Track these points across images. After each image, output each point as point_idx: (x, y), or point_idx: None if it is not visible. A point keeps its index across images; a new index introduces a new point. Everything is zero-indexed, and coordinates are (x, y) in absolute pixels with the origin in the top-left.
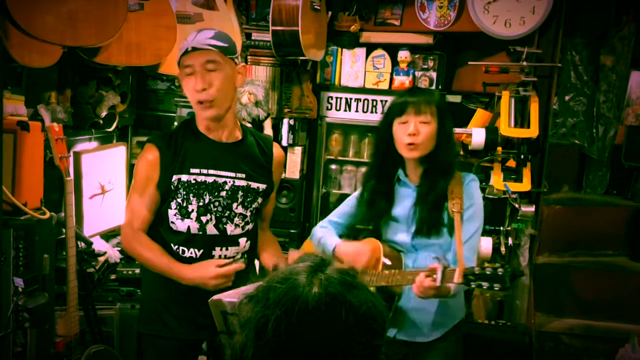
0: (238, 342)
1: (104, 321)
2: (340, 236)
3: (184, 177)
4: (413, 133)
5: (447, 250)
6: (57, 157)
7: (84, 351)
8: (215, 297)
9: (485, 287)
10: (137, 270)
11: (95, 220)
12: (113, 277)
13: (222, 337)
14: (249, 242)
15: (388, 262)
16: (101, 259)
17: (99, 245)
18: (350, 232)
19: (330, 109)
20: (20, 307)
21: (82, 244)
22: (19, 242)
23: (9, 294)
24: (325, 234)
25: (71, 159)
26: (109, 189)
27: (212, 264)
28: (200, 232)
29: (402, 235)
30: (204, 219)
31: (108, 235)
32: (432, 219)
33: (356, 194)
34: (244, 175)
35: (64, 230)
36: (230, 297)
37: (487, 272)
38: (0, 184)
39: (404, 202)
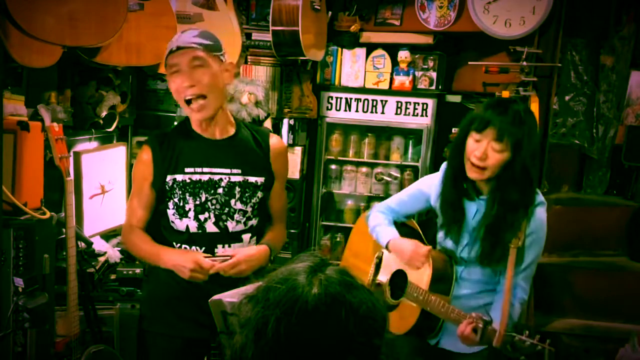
0: (238, 342)
1: (104, 321)
2: (395, 223)
3: (179, 177)
4: (480, 157)
5: (499, 275)
6: (57, 157)
7: (84, 351)
8: (216, 297)
9: None
10: (137, 270)
11: (95, 220)
12: (113, 277)
13: (222, 337)
14: (254, 238)
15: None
16: (101, 259)
17: (99, 245)
18: (406, 220)
19: (330, 109)
20: (20, 307)
21: (82, 244)
22: (19, 242)
23: (9, 294)
24: (381, 222)
25: (71, 159)
26: (109, 189)
27: (197, 254)
28: (200, 231)
29: (457, 246)
30: (202, 217)
31: (108, 235)
32: (495, 253)
33: (419, 187)
34: (239, 171)
35: (64, 230)
36: (230, 297)
37: (526, 345)
38: (0, 184)
39: (469, 215)
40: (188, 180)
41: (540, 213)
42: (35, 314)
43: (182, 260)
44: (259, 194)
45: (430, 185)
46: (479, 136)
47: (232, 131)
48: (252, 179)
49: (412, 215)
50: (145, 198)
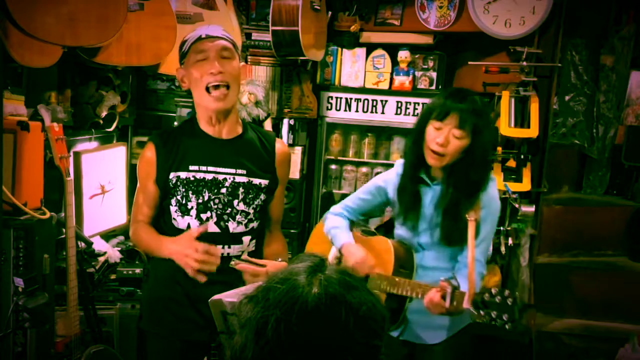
0: (238, 342)
1: (104, 321)
2: (353, 223)
3: (183, 175)
4: (441, 144)
5: (458, 252)
6: (57, 157)
7: (84, 351)
8: (216, 297)
9: (493, 317)
10: (137, 270)
11: (95, 220)
12: (113, 277)
13: (222, 338)
14: (253, 241)
15: (399, 264)
16: (101, 259)
17: (99, 245)
18: (364, 219)
19: (330, 109)
20: (20, 307)
21: (82, 244)
22: (19, 242)
23: (9, 294)
24: (338, 224)
25: (71, 159)
26: (109, 189)
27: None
28: None
29: (413, 234)
30: (203, 216)
31: (108, 235)
32: (456, 232)
33: (375, 182)
34: (244, 172)
35: (64, 230)
36: (230, 297)
37: (497, 300)
38: (1, 184)
39: (424, 202)
40: (192, 178)
41: (492, 188)
42: (35, 314)
43: (187, 246)
44: (262, 197)
45: (386, 180)
46: (439, 124)
47: (239, 131)
48: (256, 181)
49: (370, 211)
50: (150, 195)
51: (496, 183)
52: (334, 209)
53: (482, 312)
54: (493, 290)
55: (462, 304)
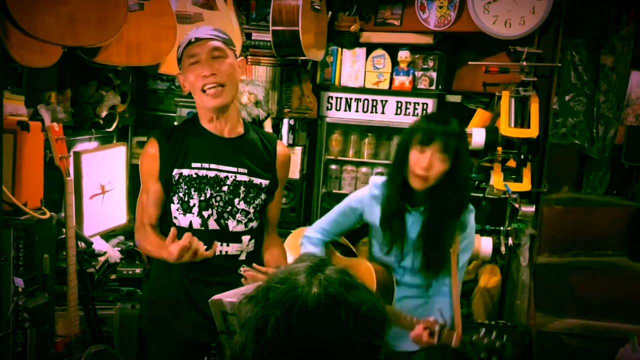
0: (238, 342)
1: (104, 321)
2: (328, 244)
3: (185, 172)
4: (426, 167)
5: (435, 277)
6: (57, 157)
7: (84, 351)
8: (216, 297)
9: (482, 358)
10: (138, 270)
11: (95, 220)
12: (113, 277)
13: (222, 338)
14: (252, 241)
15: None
16: (101, 259)
17: (99, 245)
18: (339, 239)
19: (330, 109)
20: (20, 307)
21: (82, 244)
22: (19, 242)
23: (9, 294)
24: (312, 249)
25: (71, 159)
26: (109, 189)
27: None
28: (203, 228)
29: (395, 257)
30: (205, 213)
31: (108, 235)
32: (437, 261)
33: (349, 204)
34: (245, 171)
35: (64, 230)
36: (230, 297)
37: (485, 342)
38: (1, 184)
39: (409, 229)
40: (194, 175)
41: (471, 219)
42: (35, 314)
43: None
44: (263, 196)
45: (360, 201)
46: (423, 148)
47: (241, 131)
48: (257, 181)
49: (345, 231)
50: (154, 194)
51: (473, 214)
52: (310, 232)
53: (470, 354)
54: (481, 332)
55: (451, 342)
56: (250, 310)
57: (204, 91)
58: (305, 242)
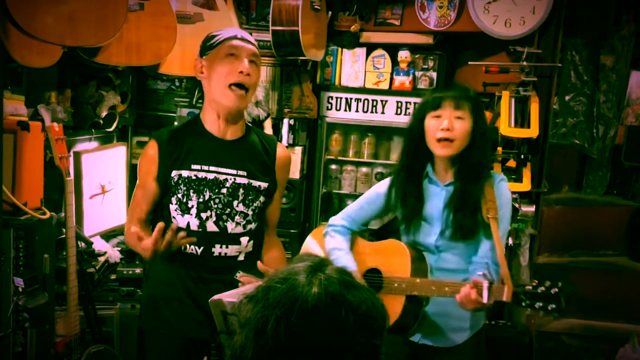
0: (238, 342)
1: (104, 321)
2: (354, 233)
3: (185, 173)
4: (447, 128)
5: (473, 253)
6: (57, 157)
7: (84, 351)
8: (216, 297)
9: (538, 307)
10: (138, 270)
11: (95, 220)
12: (113, 277)
13: (222, 337)
14: (251, 242)
15: (414, 266)
16: (101, 259)
17: (99, 245)
18: (365, 228)
19: (330, 109)
20: (20, 307)
21: (82, 244)
22: (19, 242)
23: (9, 294)
24: (341, 247)
25: (71, 159)
26: (109, 189)
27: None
28: (201, 229)
29: (427, 236)
30: (203, 215)
31: (108, 235)
32: (469, 224)
33: (377, 190)
34: (245, 173)
35: (64, 230)
36: (230, 297)
37: (540, 291)
38: (1, 184)
39: (433, 202)
40: (194, 177)
41: (505, 188)
42: (35, 314)
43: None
44: (262, 199)
45: (385, 185)
46: (437, 112)
47: (242, 133)
48: (256, 183)
49: (371, 219)
50: (150, 192)
51: (507, 183)
52: (334, 220)
53: (524, 304)
54: (533, 282)
55: (502, 297)
56: (250, 310)
57: (230, 87)
58: (329, 230)
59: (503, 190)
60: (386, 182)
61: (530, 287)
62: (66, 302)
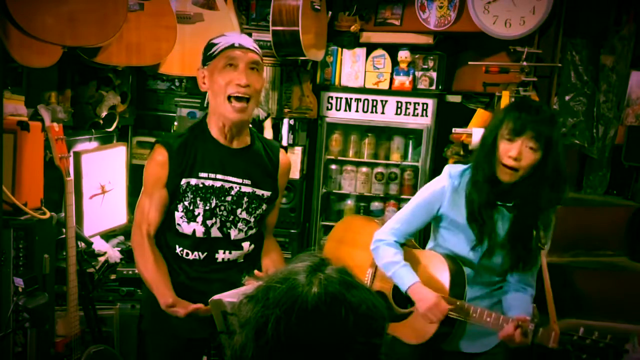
0: (238, 342)
1: (104, 321)
2: (401, 245)
3: (193, 181)
4: (516, 157)
5: (506, 272)
6: (57, 157)
7: (84, 351)
8: (216, 297)
9: (583, 359)
10: (137, 270)
11: (95, 220)
12: (113, 277)
13: (222, 337)
14: (252, 245)
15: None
16: (101, 259)
17: (99, 245)
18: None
19: (331, 109)
20: (20, 307)
21: (82, 244)
22: (19, 242)
23: (9, 294)
24: (397, 261)
25: (71, 159)
26: (109, 189)
27: (188, 307)
28: (205, 236)
29: (475, 254)
30: (209, 222)
31: (108, 235)
32: (526, 257)
33: (426, 198)
34: (250, 182)
35: (64, 230)
36: (230, 297)
37: (587, 342)
38: (1, 184)
39: (498, 226)
40: (201, 185)
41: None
42: (35, 314)
43: (176, 309)
44: (264, 207)
45: (438, 193)
46: (514, 138)
47: (248, 141)
48: (259, 192)
49: (419, 229)
50: (159, 200)
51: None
52: (381, 235)
53: (572, 356)
54: (581, 331)
55: (548, 342)
56: (250, 309)
57: (229, 100)
58: (381, 245)
59: (552, 220)
60: (433, 186)
61: (577, 338)
62: (66, 302)
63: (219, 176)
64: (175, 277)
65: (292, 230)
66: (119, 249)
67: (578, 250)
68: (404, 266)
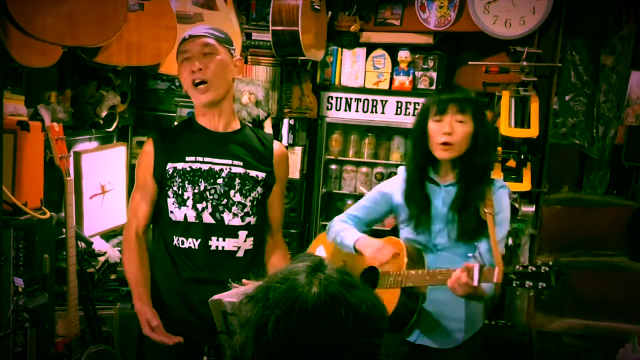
0: (238, 342)
1: (104, 321)
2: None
3: (179, 165)
4: (448, 132)
5: (471, 251)
6: (57, 157)
7: (84, 351)
8: (216, 297)
9: (528, 287)
10: None
11: (95, 220)
12: (113, 277)
13: (222, 338)
14: (251, 238)
15: (410, 261)
16: (101, 259)
17: (99, 245)
18: (368, 229)
19: (331, 109)
20: (20, 307)
21: (82, 244)
22: (19, 242)
23: (9, 294)
24: (345, 227)
25: (71, 159)
26: (109, 189)
27: (172, 338)
28: (197, 221)
29: (426, 235)
30: (199, 206)
31: (108, 235)
32: (473, 226)
33: (380, 189)
34: (241, 163)
35: (64, 230)
36: (230, 297)
37: (530, 270)
38: (1, 184)
39: (436, 203)
40: (188, 169)
41: (505, 195)
42: (35, 314)
43: (141, 316)
44: (259, 189)
45: (390, 186)
46: (439, 116)
47: (236, 127)
48: (253, 173)
49: (375, 220)
50: (149, 191)
51: (507, 191)
52: (337, 218)
53: (514, 284)
54: (524, 262)
55: (492, 278)
56: (250, 309)
57: (195, 86)
58: (334, 223)
59: (502, 196)
60: (389, 182)
61: (521, 267)
62: (66, 302)
63: (206, 159)
64: (172, 277)
65: (292, 230)
66: (119, 249)
67: (578, 250)
68: (353, 229)
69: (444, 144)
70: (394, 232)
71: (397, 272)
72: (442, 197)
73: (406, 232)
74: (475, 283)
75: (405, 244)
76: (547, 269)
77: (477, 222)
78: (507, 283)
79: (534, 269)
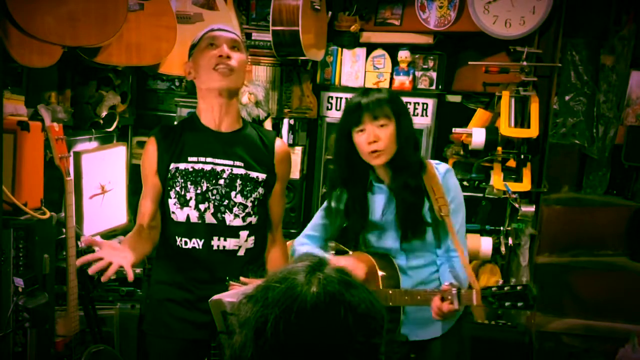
0: (237, 342)
1: (104, 321)
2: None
3: (182, 166)
4: (373, 140)
5: (437, 247)
6: (57, 157)
7: (84, 351)
8: (215, 297)
9: (508, 307)
10: (138, 270)
11: (95, 220)
12: (113, 277)
13: (222, 337)
14: (252, 237)
15: (384, 274)
16: None
17: None
18: (328, 245)
19: (331, 109)
20: (20, 307)
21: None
22: (19, 242)
23: (9, 294)
24: (308, 249)
25: (71, 159)
26: (109, 189)
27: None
28: (200, 221)
29: (388, 240)
30: (202, 207)
31: (108, 235)
32: (413, 224)
33: (326, 205)
34: (242, 164)
35: (64, 230)
36: (230, 297)
37: (506, 291)
38: (1, 184)
39: (382, 207)
40: (190, 169)
41: (452, 178)
42: (35, 314)
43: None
44: (260, 190)
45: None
46: (360, 127)
47: (238, 126)
48: (253, 174)
49: (334, 235)
50: (153, 189)
51: (453, 172)
52: (297, 241)
53: (494, 305)
54: (500, 283)
55: (472, 302)
56: (249, 309)
57: (215, 69)
58: (296, 247)
59: (450, 181)
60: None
61: (496, 288)
62: (66, 302)
63: (208, 159)
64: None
65: (292, 230)
66: None
67: (578, 250)
68: (316, 250)
69: (374, 151)
70: None
71: (376, 290)
72: (383, 199)
73: (367, 242)
74: (457, 307)
75: (374, 258)
76: (522, 287)
77: (419, 222)
78: (487, 305)
79: (509, 288)
